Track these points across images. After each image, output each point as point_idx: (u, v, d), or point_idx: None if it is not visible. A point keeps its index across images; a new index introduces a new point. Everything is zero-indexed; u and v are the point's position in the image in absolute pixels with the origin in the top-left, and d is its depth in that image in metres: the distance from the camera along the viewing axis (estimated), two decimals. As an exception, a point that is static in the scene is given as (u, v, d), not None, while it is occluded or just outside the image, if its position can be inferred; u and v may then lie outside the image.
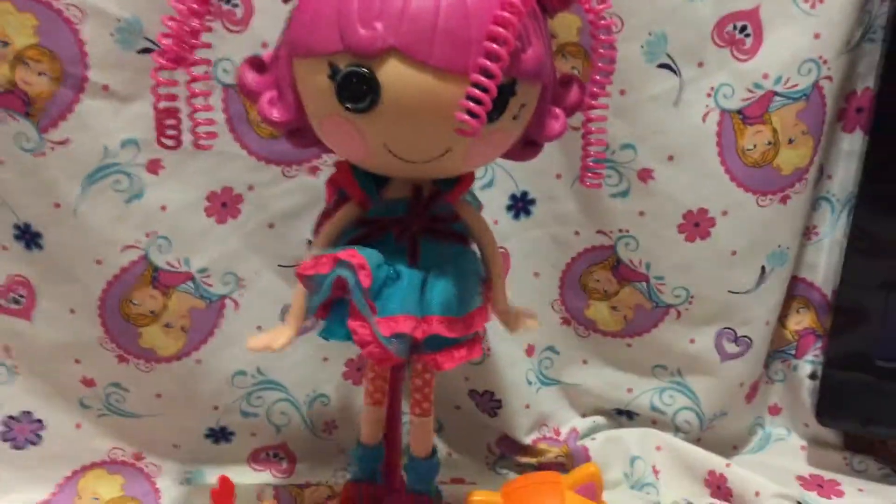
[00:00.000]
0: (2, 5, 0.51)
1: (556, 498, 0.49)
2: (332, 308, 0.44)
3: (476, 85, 0.35)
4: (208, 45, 0.41)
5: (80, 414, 0.64)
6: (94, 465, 0.65)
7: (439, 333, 0.43)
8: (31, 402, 0.63)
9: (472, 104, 0.35)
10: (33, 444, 0.64)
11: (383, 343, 0.41)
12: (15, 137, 0.54)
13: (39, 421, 0.64)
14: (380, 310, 0.42)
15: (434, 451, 0.54)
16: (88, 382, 0.63)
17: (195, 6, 0.39)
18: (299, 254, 0.62)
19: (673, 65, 0.60)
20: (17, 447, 0.63)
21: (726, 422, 0.71)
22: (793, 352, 0.72)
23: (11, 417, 0.63)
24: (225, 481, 0.50)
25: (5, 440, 0.63)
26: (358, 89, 0.37)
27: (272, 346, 0.45)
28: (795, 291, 0.71)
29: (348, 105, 0.38)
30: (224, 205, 0.60)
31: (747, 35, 0.60)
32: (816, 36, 0.59)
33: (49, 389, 0.63)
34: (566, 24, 0.59)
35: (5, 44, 0.51)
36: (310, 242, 0.61)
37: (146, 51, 0.54)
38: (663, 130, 0.61)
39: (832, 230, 0.68)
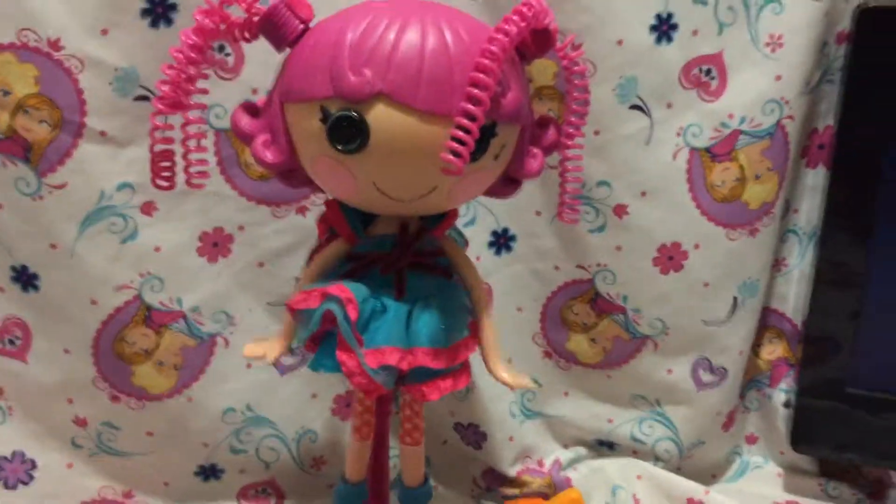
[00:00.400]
0: (4, 56, 0.53)
1: (541, 522, 0.51)
2: (321, 340, 0.46)
3: (460, 127, 0.37)
4: (205, 91, 0.43)
5: (71, 453, 0.65)
6: (84, 504, 0.66)
7: (424, 365, 0.45)
8: (23, 443, 0.64)
9: (456, 145, 0.38)
10: (25, 483, 0.64)
11: (370, 374, 0.43)
12: (15, 182, 0.56)
13: (32, 461, 0.64)
14: (367, 342, 0.44)
15: (426, 479, 0.55)
16: (81, 422, 0.64)
17: (192, 55, 0.41)
18: (288, 291, 0.64)
19: (644, 106, 0.63)
20: (9, 487, 0.64)
21: (705, 450, 0.73)
22: (767, 381, 0.74)
23: (4, 458, 0.64)
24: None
25: (-3, 481, 0.64)
26: (348, 132, 0.39)
27: (267, 358, 0.47)
28: (768, 322, 0.73)
29: (339, 146, 0.40)
30: (215, 244, 0.62)
31: (712, 78, 0.63)
32: (777, 78, 0.62)
33: (42, 429, 0.64)
34: (542, 69, 0.62)
35: (6, 93, 0.54)
36: (298, 280, 0.63)
37: (142, 98, 0.56)
38: (636, 168, 0.64)
39: (800, 262, 0.71)
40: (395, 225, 0.46)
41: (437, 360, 0.45)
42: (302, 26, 0.42)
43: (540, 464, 0.72)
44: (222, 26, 0.42)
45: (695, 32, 0.62)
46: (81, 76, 0.55)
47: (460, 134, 0.37)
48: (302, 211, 0.63)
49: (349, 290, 0.42)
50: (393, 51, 0.38)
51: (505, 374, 0.48)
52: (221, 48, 0.58)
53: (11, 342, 0.61)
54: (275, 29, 0.42)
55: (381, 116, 0.39)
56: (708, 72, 0.63)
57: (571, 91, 0.45)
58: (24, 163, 0.55)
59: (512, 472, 0.71)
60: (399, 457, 0.54)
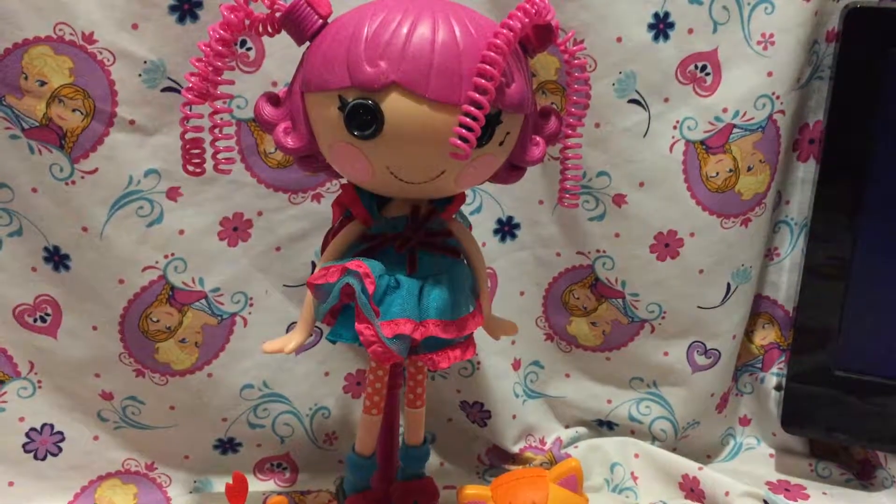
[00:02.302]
0: (41, 49, 0.56)
1: (540, 490, 0.54)
2: (339, 314, 0.49)
3: (467, 115, 0.41)
4: (231, 82, 0.47)
5: (97, 426, 0.68)
6: (109, 475, 0.69)
7: (435, 335, 0.48)
8: (52, 415, 0.67)
9: (463, 131, 0.41)
10: (53, 455, 0.68)
11: (386, 343, 0.46)
12: (49, 168, 0.59)
13: (60, 433, 0.67)
14: (382, 314, 0.47)
15: (426, 439, 0.59)
16: (107, 396, 0.67)
17: (219, 48, 0.44)
18: (304, 275, 0.67)
19: (642, 100, 0.66)
20: (39, 458, 0.67)
21: (700, 431, 0.76)
22: (759, 365, 0.77)
23: (34, 430, 0.67)
24: (239, 477, 0.55)
25: (27, 451, 0.67)
26: (364, 119, 0.43)
27: (285, 349, 0.50)
28: (760, 308, 0.76)
29: (356, 132, 0.43)
30: (235, 229, 0.65)
31: (707, 74, 0.66)
32: (769, 74, 0.66)
33: (70, 403, 0.67)
34: (545, 65, 0.65)
35: (43, 83, 0.57)
36: (314, 265, 0.67)
37: (169, 89, 0.60)
38: (634, 159, 0.67)
39: (792, 251, 0.74)
40: (408, 207, 0.49)
41: (446, 331, 0.48)
42: (321, 21, 0.45)
43: (542, 442, 0.76)
44: (247, 21, 0.45)
45: (690, 31, 0.65)
46: (113, 68, 0.58)
47: (467, 121, 0.41)
48: (317, 198, 0.67)
49: (366, 266, 0.46)
50: (406, 44, 0.41)
51: (501, 333, 0.57)
52: (243, 43, 0.61)
53: (42, 319, 0.64)
54: (296, 24, 0.46)
55: (394, 105, 0.42)
56: (703, 68, 0.66)
57: (572, 83, 0.48)
58: (59, 149, 0.59)
59: (515, 449, 0.74)
60: (404, 421, 0.58)
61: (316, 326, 0.52)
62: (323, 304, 0.48)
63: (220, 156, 0.48)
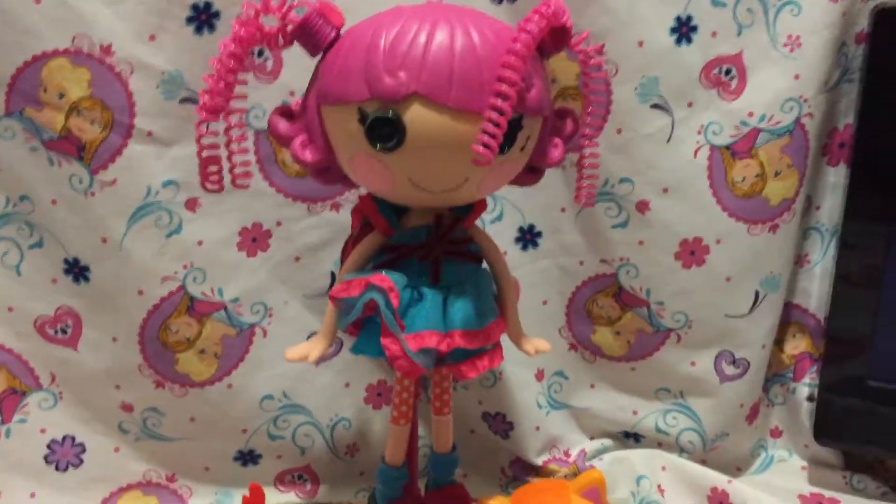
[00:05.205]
0: (59, 61, 0.56)
1: (562, 501, 0.53)
2: (362, 326, 0.49)
3: (490, 121, 0.40)
4: (244, 97, 0.46)
5: (118, 438, 0.68)
6: (130, 487, 0.69)
7: (462, 346, 0.47)
8: (73, 427, 0.67)
9: (486, 138, 0.40)
10: (75, 466, 0.67)
11: (412, 357, 0.45)
12: (69, 179, 0.59)
13: (81, 445, 0.67)
14: (407, 327, 0.46)
15: (454, 447, 0.58)
16: (127, 407, 0.67)
17: (231, 64, 0.44)
18: (323, 285, 0.67)
19: (665, 105, 0.65)
20: (60, 469, 0.67)
21: (729, 443, 0.74)
22: (790, 375, 0.75)
23: (55, 441, 0.67)
24: (256, 489, 0.54)
25: (49, 462, 0.67)
26: (386, 131, 0.42)
27: (309, 358, 0.49)
28: (791, 317, 0.74)
29: (377, 145, 0.43)
30: (254, 239, 0.65)
31: (732, 77, 0.65)
32: (796, 77, 0.64)
33: (90, 414, 0.67)
34: (566, 70, 0.64)
35: (61, 95, 0.57)
36: (333, 275, 0.66)
37: (187, 100, 0.59)
38: (658, 165, 0.66)
39: (822, 258, 0.72)
40: (429, 216, 0.48)
41: (472, 341, 0.47)
42: (334, 33, 0.45)
43: (566, 454, 0.74)
44: (258, 35, 0.44)
45: (714, 34, 0.63)
46: (131, 79, 0.58)
47: (490, 127, 0.40)
48: (336, 207, 0.66)
49: (390, 280, 0.45)
50: (425, 53, 0.41)
51: (528, 347, 0.53)
52: (261, 53, 0.61)
53: (63, 331, 0.64)
54: (309, 36, 0.45)
55: (416, 115, 0.41)
56: (728, 72, 0.65)
57: (588, 83, 0.47)
58: (78, 161, 0.59)
59: (538, 461, 0.73)
60: (432, 428, 0.58)
61: (337, 337, 0.52)
62: (345, 318, 0.48)
63: (237, 170, 0.48)
